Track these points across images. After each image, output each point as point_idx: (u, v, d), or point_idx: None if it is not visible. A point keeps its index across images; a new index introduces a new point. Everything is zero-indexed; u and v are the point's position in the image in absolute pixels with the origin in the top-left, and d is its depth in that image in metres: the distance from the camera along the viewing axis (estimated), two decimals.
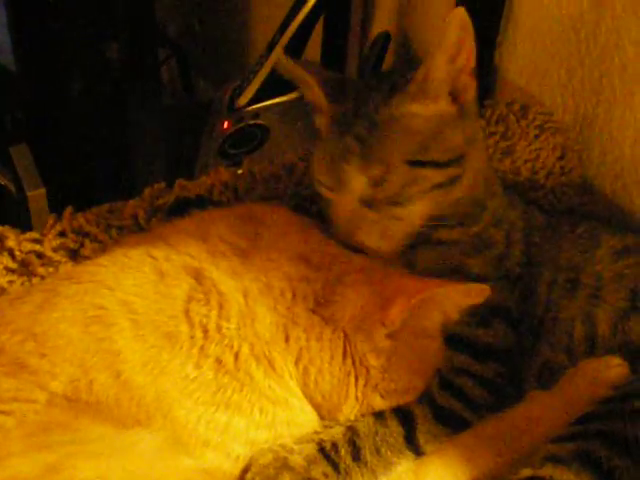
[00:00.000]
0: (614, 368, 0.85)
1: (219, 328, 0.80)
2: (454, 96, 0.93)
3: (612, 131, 1.09)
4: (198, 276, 0.83)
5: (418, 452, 0.83)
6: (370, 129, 0.92)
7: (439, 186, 0.91)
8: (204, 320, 0.80)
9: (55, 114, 1.96)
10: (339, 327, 0.82)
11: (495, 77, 1.26)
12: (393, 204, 0.91)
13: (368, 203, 0.92)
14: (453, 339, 0.89)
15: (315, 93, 0.99)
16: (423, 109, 0.92)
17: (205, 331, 0.80)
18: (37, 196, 1.64)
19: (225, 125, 1.70)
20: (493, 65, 1.25)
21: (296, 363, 0.83)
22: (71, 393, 0.75)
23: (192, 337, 0.80)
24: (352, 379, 0.82)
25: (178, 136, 1.94)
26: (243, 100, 1.70)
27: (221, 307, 0.81)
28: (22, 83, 1.99)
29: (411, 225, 0.93)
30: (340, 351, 0.82)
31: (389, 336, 0.82)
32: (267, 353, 0.81)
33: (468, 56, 0.90)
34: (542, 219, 1.00)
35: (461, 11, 0.87)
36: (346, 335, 0.82)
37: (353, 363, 0.82)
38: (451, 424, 0.85)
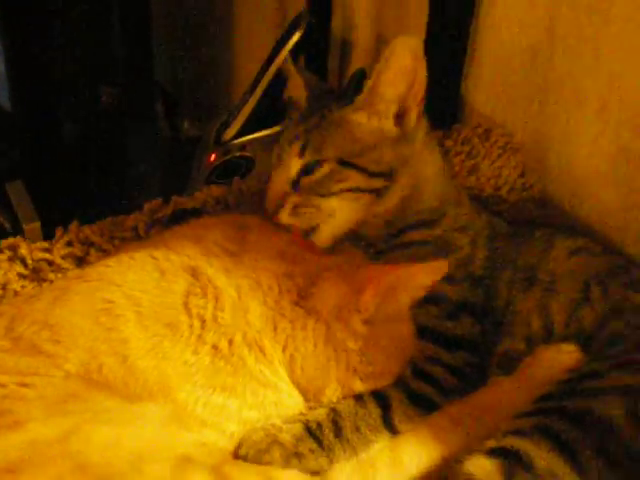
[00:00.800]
0: (568, 354, 0.95)
1: (215, 318, 0.90)
2: (399, 118, 1.03)
3: (567, 151, 1.20)
4: (195, 273, 0.93)
5: (394, 431, 0.92)
6: (318, 125, 1.04)
7: (359, 190, 1.01)
8: (201, 311, 0.90)
9: (50, 154, 2.06)
10: (320, 317, 0.92)
11: (463, 105, 1.37)
12: (315, 193, 1.02)
13: (296, 186, 1.03)
14: (425, 332, 0.99)
15: (299, 92, 1.10)
16: (367, 121, 1.03)
17: (202, 321, 0.89)
18: (33, 229, 1.73)
19: (212, 157, 1.81)
20: (460, 94, 1.37)
21: (284, 351, 0.92)
22: (83, 374, 0.84)
23: (191, 326, 0.89)
24: (333, 364, 0.92)
25: (168, 170, 2.05)
26: (229, 134, 1.80)
27: (217, 300, 0.91)
28: (19, 124, 2.09)
29: (330, 219, 1.03)
30: (322, 339, 0.92)
31: (365, 322, 0.91)
32: (258, 341, 0.91)
33: (419, 86, 1.01)
34: (505, 228, 1.11)
35: (414, 40, 0.99)
36: (327, 324, 0.92)
37: (334, 349, 0.92)
38: (423, 406, 0.94)
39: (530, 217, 1.20)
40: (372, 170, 1.02)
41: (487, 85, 1.33)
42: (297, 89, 1.12)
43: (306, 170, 1.03)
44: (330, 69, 1.80)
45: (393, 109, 1.03)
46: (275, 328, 0.92)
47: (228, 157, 1.77)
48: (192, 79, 2.70)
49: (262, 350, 0.91)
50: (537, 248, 1.06)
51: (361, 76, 1.64)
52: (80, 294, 0.91)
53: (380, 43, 1.64)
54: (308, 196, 1.03)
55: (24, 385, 0.81)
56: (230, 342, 0.89)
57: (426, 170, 1.07)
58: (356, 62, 1.74)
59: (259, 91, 1.69)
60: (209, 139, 1.87)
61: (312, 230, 1.05)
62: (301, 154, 1.03)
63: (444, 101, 1.35)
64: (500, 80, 1.30)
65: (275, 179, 1.05)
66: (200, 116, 2.47)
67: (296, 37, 1.70)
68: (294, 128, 1.07)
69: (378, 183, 1.02)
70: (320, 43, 1.78)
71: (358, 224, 1.05)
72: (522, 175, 1.23)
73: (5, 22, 1.92)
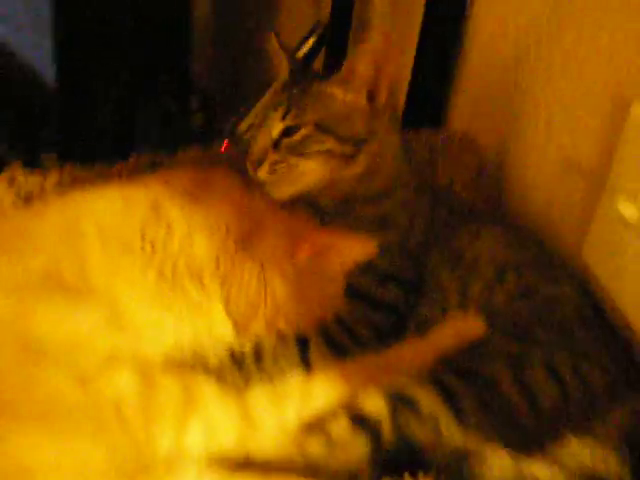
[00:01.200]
0: (474, 323, 1.06)
1: (164, 245, 1.03)
2: (370, 96, 1.17)
3: (520, 157, 1.32)
4: (155, 206, 1.06)
5: (309, 369, 1.04)
6: (301, 94, 1.17)
7: (332, 154, 1.14)
8: (153, 238, 1.03)
9: (85, 135, 2.22)
10: (257, 257, 1.05)
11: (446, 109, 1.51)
12: (293, 152, 1.14)
13: (275, 145, 1.15)
14: (354, 292, 1.11)
15: (282, 65, 1.25)
16: (343, 94, 1.16)
17: (153, 246, 1.03)
18: None
19: (223, 147, 1.95)
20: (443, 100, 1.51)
21: (222, 285, 1.05)
22: (43, 272, 0.98)
23: (142, 249, 1.02)
24: (262, 301, 1.04)
25: None
26: (243, 126, 1.95)
27: (168, 230, 1.04)
28: (60, 103, 2.25)
29: (302, 177, 1.15)
30: (255, 277, 1.04)
31: (295, 272, 1.04)
32: (199, 271, 1.04)
33: (390, 70, 1.14)
34: (445, 216, 1.22)
35: (389, 31, 1.12)
36: (262, 264, 1.05)
37: (264, 288, 1.04)
38: (339, 352, 1.06)
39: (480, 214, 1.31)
40: (345, 136, 1.15)
41: (468, 92, 1.46)
42: (280, 63, 1.26)
43: (287, 132, 1.15)
44: None
45: (366, 87, 1.16)
46: (217, 264, 1.05)
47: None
48: (230, 79, 2.85)
49: (201, 280, 1.03)
50: (469, 235, 1.17)
51: None
52: (55, 210, 1.05)
53: None
54: (286, 155, 1.15)
55: None
56: (174, 267, 1.02)
57: (386, 150, 1.19)
58: None
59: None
60: (225, 131, 2.02)
61: (280, 186, 1.17)
62: (283, 118, 1.16)
63: (427, 104, 1.49)
64: (477, 107, 1.42)
65: (259, 138, 1.18)
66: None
67: (310, 42, 1.86)
68: (277, 95, 1.21)
69: (349, 150, 1.14)
70: (339, 47, 1.90)
71: (318, 188, 1.17)
72: (479, 174, 1.34)
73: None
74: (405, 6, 1.60)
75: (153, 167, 1.24)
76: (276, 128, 1.16)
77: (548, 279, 1.11)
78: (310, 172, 1.15)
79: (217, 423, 0.92)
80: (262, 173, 1.16)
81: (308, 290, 1.06)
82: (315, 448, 0.90)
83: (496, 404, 0.94)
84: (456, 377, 0.95)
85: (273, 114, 1.17)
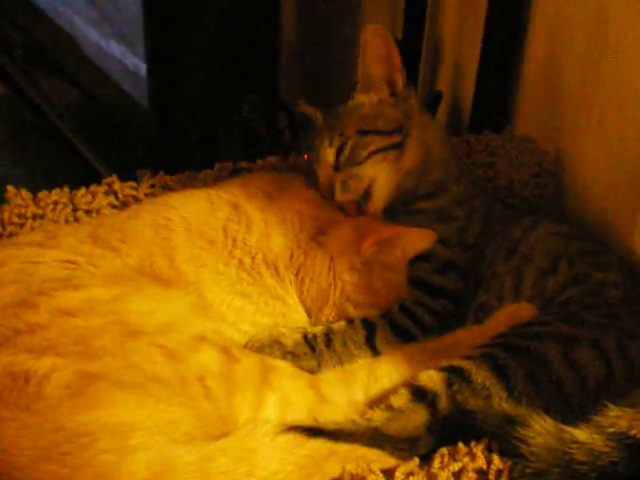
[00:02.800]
0: (527, 310, 1.14)
1: (244, 240, 1.16)
2: (389, 85, 1.28)
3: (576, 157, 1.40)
4: (236, 207, 1.19)
5: (374, 351, 1.14)
6: (335, 119, 1.30)
7: (384, 150, 1.25)
8: (235, 234, 1.16)
9: (177, 151, 2.38)
10: (328, 250, 1.17)
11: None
12: (351, 164, 1.26)
13: (336, 167, 1.27)
14: (417, 281, 1.21)
15: (317, 118, 1.38)
16: (367, 98, 1.30)
17: (234, 240, 1.16)
18: None
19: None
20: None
21: (296, 275, 1.17)
22: (138, 267, 1.12)
23: (225, 244, 1.16)
24: (332, 289, 1.16)
25: None
26: None
27: (248, 227, 1.17)
28: (153, 121, 2.42)
29: (372, 182, 1.26)
30: (326, 268, 1.16)
31: (362, 262, 1.16)
32: (275, 262, 1.16)
33: (395, 58, 1.26)
34: (501, 210, 1.32)
35: (377, 26, 1.24)
36: (332, 257, 1.17)
37: (334, 278, 1.16)
38: (402, 337, 1.16)
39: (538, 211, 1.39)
40: (385, 129, 1.27)
41: (528, 97, 1.54)
42: (317, 118, 1.39)
43: (339, 152, 1.27)
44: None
45: (385, 83, 1.29)
46: (291, 255, 1.17)
47: None
48: (315, 95, 2.97)
49: (277, 270, 1.16)
50: (523, 226, 1.26)
51: (438, 96, 1.88)
52: (148, 212, 1.20)
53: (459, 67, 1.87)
54: (348, 170, 1.27)
55: (92, 265, 1.09)
56: (253, 259, 1.15)
57: (430, 137, 1.30)
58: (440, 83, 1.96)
59: None
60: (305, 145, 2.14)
61: (364, 199, 1.27)
62: (330, 143, 1.29)
63: (491, 110, 1.59)
64: (537, 92, 1.51)
65: (320, 172, 1.30)
66: None
67: None
68: (319, 133, 1.33)
69: (395, 138, 1.26)
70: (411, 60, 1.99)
71: (399, 187, 1.27)
72: (537, 175, 1.42)
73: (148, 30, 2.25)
74: (471, 22, 1.70)
75: (235, 174, 1.37)
76: (329, 154, 1.29)
77: (598, 267, 1.19)
78: (374, 174, 1.26)
79: (291, 399, 1.02)
80: (338, 195, 1.27)
81: (374, 279, 1.17)
82: (378, 417, 1.00)
83: (545, 379, 1.02)
84: (508, 354, 1.04)
85: (321, 146, 1.30)
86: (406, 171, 1.27)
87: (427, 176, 1.29)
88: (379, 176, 1.26)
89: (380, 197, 1.27)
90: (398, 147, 1.26)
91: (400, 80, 1.29)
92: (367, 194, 1.27)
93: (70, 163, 2.55)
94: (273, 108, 2.94)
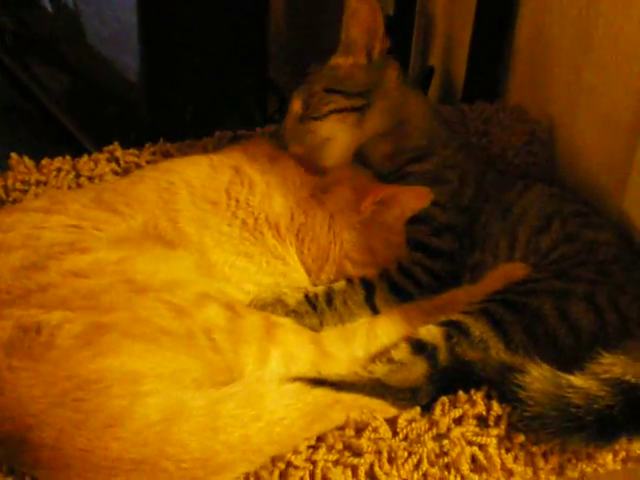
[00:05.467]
0: (521, 269, 1.17)
1: (247, 201, 1.18)
2: (368, 52, 1.31)
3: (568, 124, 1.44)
4: (238, 170, 1.22)
5: (374, 310, 1.17)
6: (313, 77, 1.33)
7: (344, 110, 1.27)
8: (237, 195, 1.19)
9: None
10: (327, 209, 1.20)
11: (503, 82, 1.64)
12: (313, 119, 1.28)
13: (300, 118, 1.30)
14: (414, 243, 1.24)
15: None
16: (344, 61, 1.32)
17: (237, 202, 1.18)
18: None
19: None
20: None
21: (297, 235, 1.20)
22: (142, 228, 1.14)
23: (228, 205, 1.18)
24: (332, 246, 1.19)
25: None
26: None
27: (250, 188, 1.19)
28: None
29: (328, 141, 1.27)
30: (326, 227, 1.19)
31: (360, 221, 1.19)
32: (276, 222, 1.19)
33: (378, 26, 1.28)
34: (494, 175, 1.35)
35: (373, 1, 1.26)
36: (331, 215, 1.20)
37: (334, 235, 1.19)
38: (401, 296, 1.19)
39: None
40: (350, 91, 1.28)
41: (520, 67, 1.58)
42: None
43: (306, 106, 1.30)
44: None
45: (364, 49, 1.31)
46: (292, 216, 1.20)
47: None
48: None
49: (278, 230, 1.19)
50: (517, 189, 1.30)
51: (429, 72, 1.91)
52: (151, 177, 1.21)
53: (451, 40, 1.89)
54: (308, 123, 1.29)
55: (97, 229, 1.10)
56: (255, 220, 1.18)
57: (406, 105, 1.32)
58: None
59: None
60: None
61: (316, 155, 1.28)
62: (300, 95, 1.31)
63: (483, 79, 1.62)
64: (533, 77, 1.54)
65: (287, 121, 1.33)
66: None
67: None
68: (299, 87, 1.35)
69: (357, 102, 1.28)
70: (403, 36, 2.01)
71: (358, 146, 1.29)
72: (529, 143, 1.45)
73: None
74: None
75: (234, 141, 1.40)
76: (296, 105, 1.31)
77: (590, 226, 1.23)
78: (331, 132, 1.27)
79: (295, 353, 1.05)
80: (295, 146, 1.29)
81: (373, 239, 1.20)
82: (380, 369, 1.03)
83: (540, 331, 1.06)
84: (504, 309, 1.07)
85: (294, 96, 1.33)
86: (368, 137, 1.29)
87: (406, 142, 1.31)
88: (334, 136, 1.28)
89: (330, 157, 1.28)
90: (360, 111, 1.28)
91: (378, 48, 1.31)
92: (319, 150, 1.29)
93: (62, 149, 2.57)
94: (263, 91, 2.96)
